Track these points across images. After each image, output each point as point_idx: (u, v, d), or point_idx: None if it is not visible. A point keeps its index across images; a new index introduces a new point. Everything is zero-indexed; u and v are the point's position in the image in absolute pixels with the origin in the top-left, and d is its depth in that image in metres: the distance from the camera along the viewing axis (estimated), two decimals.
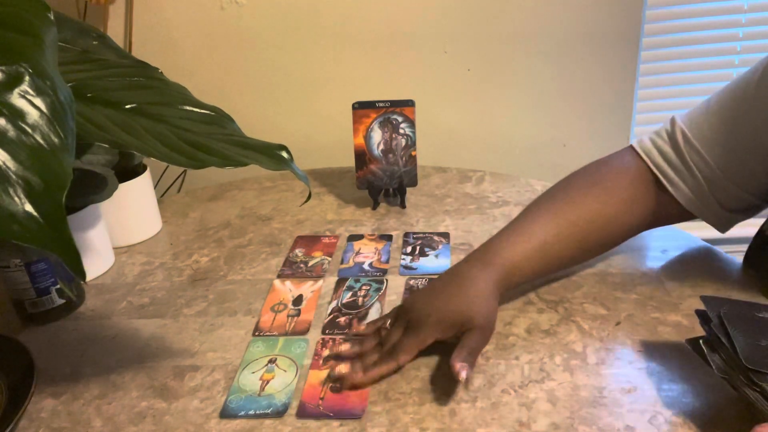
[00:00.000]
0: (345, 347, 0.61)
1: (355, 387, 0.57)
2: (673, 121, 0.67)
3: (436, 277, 0.69)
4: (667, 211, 0.67)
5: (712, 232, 0.69)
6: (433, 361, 0.60)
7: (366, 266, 0.77)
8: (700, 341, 0.52)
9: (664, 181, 0.65)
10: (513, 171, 1.07)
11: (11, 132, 0.42)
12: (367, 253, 0.80)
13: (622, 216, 0.66)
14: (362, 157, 0.91)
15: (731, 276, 0.71)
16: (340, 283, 0.74)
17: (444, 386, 0.57)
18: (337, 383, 0.58)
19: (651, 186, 0.66)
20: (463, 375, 0.53)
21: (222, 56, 1.18)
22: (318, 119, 1.22)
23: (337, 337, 0.64)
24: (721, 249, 0.77)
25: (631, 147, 0.69)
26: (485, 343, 0.59)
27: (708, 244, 0.78)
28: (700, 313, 0.54)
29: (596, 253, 0.70)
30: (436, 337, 0.58)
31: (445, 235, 0.83)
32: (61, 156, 0.43)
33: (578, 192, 0.66)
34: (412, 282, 0.73)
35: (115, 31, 1.14)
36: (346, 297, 0.71)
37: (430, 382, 0.57)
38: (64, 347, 0.66)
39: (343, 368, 0.58)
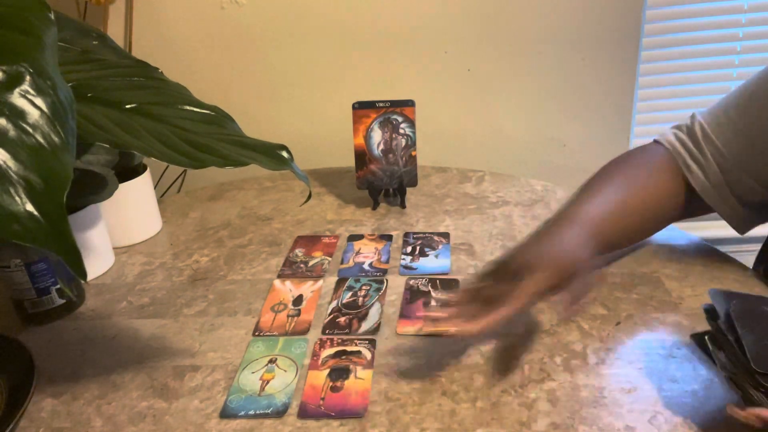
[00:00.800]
0: (436, 312, 0.56)
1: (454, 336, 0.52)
2: (693, 117, 0.69)
3: (435, 276, 0.68)
4: (694, 201, 0.68)
5: (712, 232, 0.69)
6: (433, 360, 0.60)
7: (366, 266, 0.77)
8: (706, 337, 0.51)
9: (685, 171, 0.67)
10: (513, 171, 1.07)
11: (12, 132, 0.42)
12: (367, 253, 0.80)
13: (665, 200, 0.68)
14: (362, 157, 0.91)
15: (731, 276, 0.71)
16: (340, 283, 0.74)
17: (444, 386, 0.57)
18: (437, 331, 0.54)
19: (680, 175, 0.68)
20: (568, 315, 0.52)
21: (222, 56, 1.18)
22: (318, 119, 1.22)
23: (335, 338, 0.64)
24: (721, 249, 0.77)
25: (656, 141, 0.71)
26: (591, 288, 0.57)
27: (708, 244, 0.78)
28: (707, 309, 0.54)
29: (641, 237, 0.73)
30: (551, 282, 0.53)
31: (445, 235, 0.83)
32: (62, 156, 0.43)
33: (627, 173, 0.68)
34: (412, 282, 0.73)
35: (115, 31, 1.14)
36: (346, 297, 0.71)
37: (430, 382, 0.57)
38: (64, 347, 0.66)
39: (440, 313, 0.53)
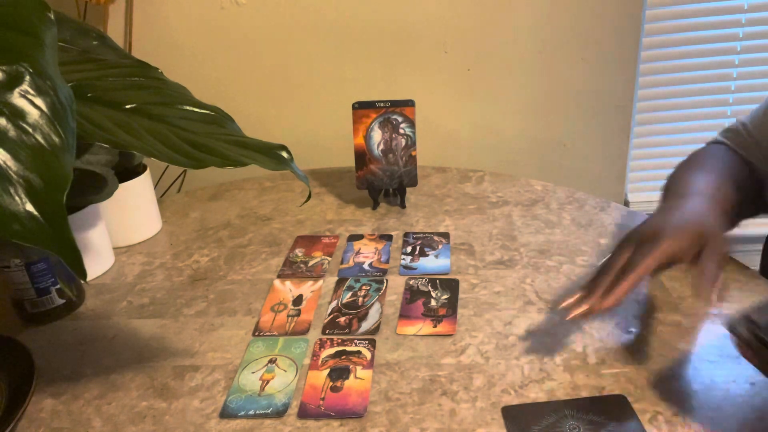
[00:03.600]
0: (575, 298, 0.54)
1: (592, 312, 0.51)
2: (737, 119, 0.72)
3: (437, 276, 0.68)
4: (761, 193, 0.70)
5: None
6: (432, 361, 0.60)
7: (366, 266, 0.77)
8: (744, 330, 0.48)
9: (746, 156, 0.70)
10: (513, 171, 1.07)
11: (12, 132, 0.42)
12: (367, 253, 0.80)
13: (747, 190, 0.68)
14: (362, 157, 0.91)
15: (731, 276, 0.71)
16: (340, 283, 0.74)
17: (444, 386, 0.57)
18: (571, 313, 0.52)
19: (747, 169, 0.69)
20: (713, 299, 0.49)
21: (222, 56, 1.18)
22: (318, 119, 1.22)
23: (335, 338, 0.64)
24: None
25: (711, 143, 0.74)
26: (726, 255, 0.55)
27: None
28: (734, 326, 0.50)
29: (747, 213, 0.70)
30: (674, 247, 0.52)
31: (445, 235, 0.83)
32: (62, 156, 0.43)
33: (713, 163, 0.68)
34: (412, 282, 0.73)
35: (115, 31, 1.14)
36: (346, 297, 0.71)
37: (430, 382, 0.58)
38: (64, 347, 0.66)
39: (570, 300, 0.53)
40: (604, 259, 0.56)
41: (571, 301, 0.53)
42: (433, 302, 0.69)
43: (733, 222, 0.67)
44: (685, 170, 0.67)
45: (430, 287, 0.72)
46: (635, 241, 0.54)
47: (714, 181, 0.63)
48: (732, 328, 0.48)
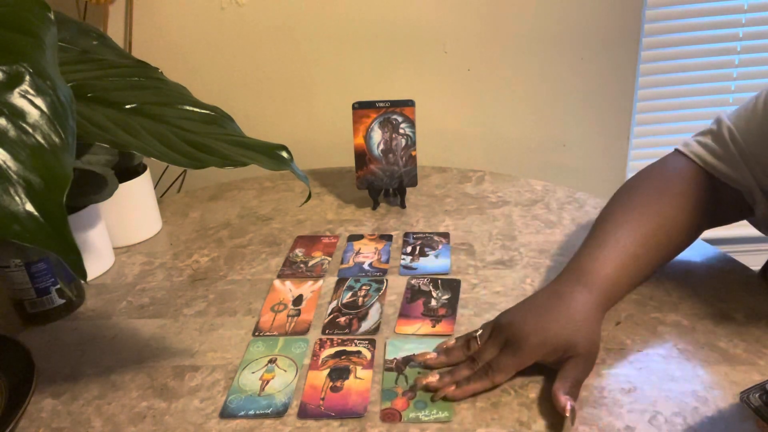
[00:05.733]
0: (432, 356, 0.59)
1: (445, 399, 0.55)
2: (719, 120, 0.66)
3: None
4: (728, 207, 0.67)
5: (712, 232, 0.69)
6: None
7: (366, 266, 0.77)
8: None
9: (719, 176, 0.65)
10: (513, 171, 1.07)
11: (12, 132, 0.42)
12: (367, 253, 0.80)
13: (693, 219, 0.65)
14: (362, 157, 0.91)
15: (731, 276, 0.71)
16: (340, 283, 0.74)
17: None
18: (414, 391, 0.56)
19: (708, 185, 0.66)
20: (568, 408, 0.51)
21: (222, 56, 1.18)
22: (318, 119, 1.22)
23: (335, 338, 0.64)
24: (721, 249, 0.77)
25: (678, 151, 0.69)
26: (588, 373, 0.56)
27: (708, 244, 0.78)
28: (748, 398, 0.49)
29: (670, 259, 0.68)
30: (535, 360, 0.55)
31: (445, 235, 0.83)
32: (62, 156, 0.43)
33: (651, 201, 0.65)
34: (413, 281, 0.73)
35: (115, 31, 1.14)
36: (346, 297, 0.71)
37: None
38: (64, 347, 0.66)
39: (431, 378, 0.56)
40: (474, 334, 0.59)
41: (432, 380, 0.56)
42: (433, 302, 0.69)
43: (646, 278, 0.67)
44: (615, 215, 0.65)
45: (431, 287, 0.72)
46: (502, 340, 0.56)
47: (625, 255, 0.61)
48: (745, 398, 0.48)
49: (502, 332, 0.57)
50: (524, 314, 0.57)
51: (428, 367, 0.59)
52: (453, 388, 0.55)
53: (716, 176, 0.65)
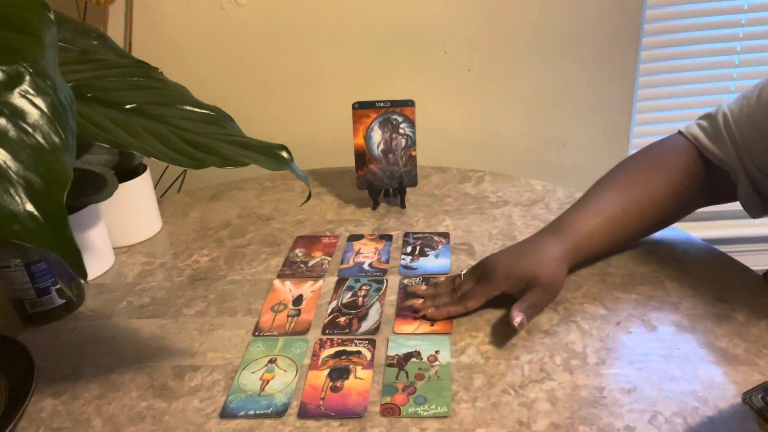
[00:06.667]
0: (421, 288, 0.70)
1: (425, 318, 0.65)
2: (719, 106, 0.70)
3: (431, 276, 0.71)
4: (718, 187, 0.70)
5: (713, 232, 0.69)
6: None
7: (366, 266, 0.77)
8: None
9: (710, 157, 0.68)
10: (513, 171, 1.07)
11: (12, 132, 0.42)
12: (367, 253, 0.80)
13: (681, 193, 0.70)
14: (362, 157, 0.91)
15: (731, 276, 0.71)
16: (340, 283, 0.74)
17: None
18: (413, 314, 0.66)
19: (700, 165, 0.69)
20: (518, 320, 0.59)
21: (222, 56, 1.18)
22: (318, 119, 1.22)
23: (335, 338, 0.64)
24: (721, 249, 0.77)
25: (679, 132, 0.73)
26: (547, 303, 0.64)
27: (708, 244, 0.78)
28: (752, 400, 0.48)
29: (655, 230, 0.74)
30: (503, 289, 0.64)
31: (445, 235, 0.83)
32: (62, 156, 0.43)
33: (641, 171, 0.71)
34: (406, 281, 0.73)
35: (115, 31, 1.14)
36: (346, 297, 0.71)
37: None
38: (64, 347, 0.66)
39: (417, 301, 0.67)
40: (460, 273, 0.69)
41: (417, 303, 0.67)
42: (420, 288, 0.70)
43: (628, 243, 0.74)
44: (605, 182, 0.71)
45: (423, 286, 0.72)
46: (478, 274, 0.66)
47: (604, 216, 0.68)
48: (747, 400, 0.48)
49: (479, 268, 0.67)
50: (499, 255, 0.67)
51: (418, 297, 0.68)
52: (432, 310, 0.65)
53: (708, 157, 0.69)
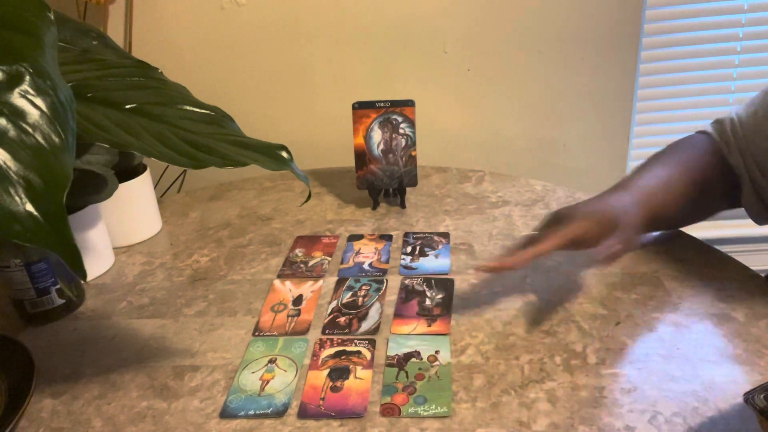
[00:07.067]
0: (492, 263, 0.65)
1: (503, 269, 0.62)
2: (729, 112, 0.72)
3: (432, 276, 0.71)
4: (730, 190, 0.70)
5: (713, 232, 0.69)
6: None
7: (366, 266, 0.77)
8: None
9: (725, 153, 0.69)
10: (513, 171, 1.07)
11: (12, 132, 0.42)
12: (367, 253, 0.80)
13: (710, 181, 0.70)
14: (362, 157, 0.91)
15: (731, 276, 0.71)
16: (340, 283, 0.74)
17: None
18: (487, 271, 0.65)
19: (722, 165, 0.70)
20: (605, 256, 0.57)
21: (222, 56, 1.18)
22: (318, 119, 1.22)
23: (335, 338, 0.64)
24: (721, 249, 0.76)
25: (698, 131, 0.74)
26: (629, 247, 0.61)
27: (708, 244, 0.78)
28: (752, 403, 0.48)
29: (687, 217, 0.74)
30: (581, 230, 0.60)
31: (445, 235, 0.83)
32: (62, 156, 0.43)
33: (676, 155, 0.71)
34: (407, 281, 0.73)
35: (115, 31, 1.14)
36: (346, 297, 0.71)
37: None
38: (64, 347, 0.66)
39: (493, 263, 0.61)
40: (534, 229, 0.67)
41: (488, 264, 0.61)
42: (428, 302, 0.69)
43: (673, 221, 0.74)
44: (651, 161, 0.72)
45: (425, 287, 0.72)
46: (552, 222, 0.64)
47: (662, 180, 0.68)
48: (749, 400, 0.48)
49: (553, 216, 0.64)
50: (572, 205, 0.65)
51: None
52: (508, 259, 0.60)
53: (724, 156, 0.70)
